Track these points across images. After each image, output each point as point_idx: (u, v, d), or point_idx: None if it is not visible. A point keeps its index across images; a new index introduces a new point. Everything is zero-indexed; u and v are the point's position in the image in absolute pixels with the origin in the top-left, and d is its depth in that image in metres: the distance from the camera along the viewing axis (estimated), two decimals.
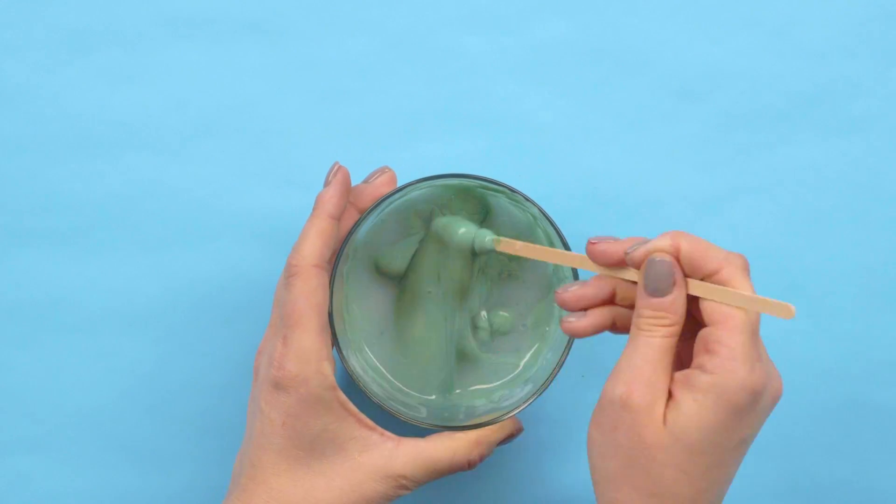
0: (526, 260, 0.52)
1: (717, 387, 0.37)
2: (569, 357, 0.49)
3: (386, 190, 0.48)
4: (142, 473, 0.57)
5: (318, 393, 0.43)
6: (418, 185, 0.49)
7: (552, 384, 0.49)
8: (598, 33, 0.57)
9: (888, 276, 0.57)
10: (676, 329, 0.39)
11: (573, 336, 0.44)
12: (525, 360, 0.53)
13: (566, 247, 0.49)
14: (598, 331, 0.43)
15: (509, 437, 0.48)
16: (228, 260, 0.57)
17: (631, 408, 0.38)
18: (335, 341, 0.48)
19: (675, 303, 0.39)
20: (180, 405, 0.57)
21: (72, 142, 0.57)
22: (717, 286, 0.39)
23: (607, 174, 0.57)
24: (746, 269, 0.40)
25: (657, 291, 0.39)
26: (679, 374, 0.39)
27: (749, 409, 0.38)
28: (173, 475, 0.57)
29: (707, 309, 0.39)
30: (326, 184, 0.47)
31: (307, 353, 0.43)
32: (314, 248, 0.44)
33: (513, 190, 0.49)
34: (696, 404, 0.37)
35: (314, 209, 0.46)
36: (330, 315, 0.47)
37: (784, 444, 0.57)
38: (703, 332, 0.39)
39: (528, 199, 0.49)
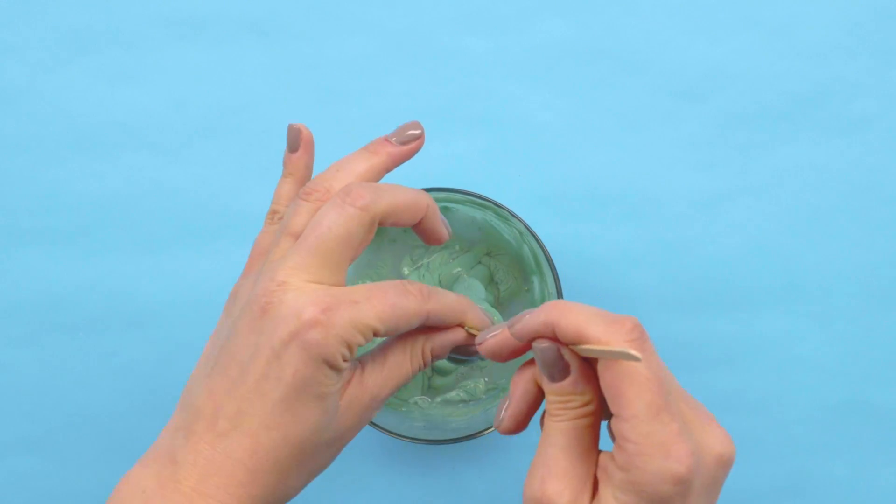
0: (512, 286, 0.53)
1: (635, 484, 0.33)
2: None
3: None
4: None
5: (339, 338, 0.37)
6: None
7: None
8: (597, 33, 0.57)
9: (888, 276, 0.57)
10: (589, 409, 0.35)
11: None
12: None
13: (550, 262, 0.49)
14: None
15: (465, 349, 0.42)
16: (228, 260, 0.57)
17: None
18: None
19: (576, 384, 0.35)
20: None
21: (72, 142, 0.57)
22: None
23: (607, 174, 0.57)
24: (635, 338, 0.34)
25: (553, 377, 0.35)
26: (602, 459, 0.35)
27: (682, 494, 0.33)
28: None
29: (609, 395, 0.34)
30: (294, 149, 0.44)
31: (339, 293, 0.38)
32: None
33: (499, 205, 0.49)
34: (618, 503, 0.33)
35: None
36: None
37: (784, 444, 0.57)
38: (612, 421, 0.34)
39: (513, 215, 0.48)
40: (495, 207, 0.49)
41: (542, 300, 0.53)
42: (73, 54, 0.56)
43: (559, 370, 0.35)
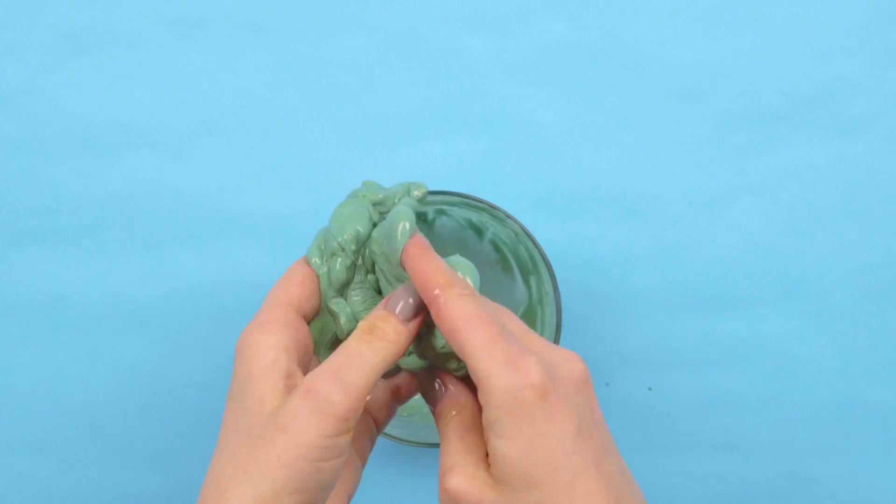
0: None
1: (500, 408, 0.33)
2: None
3: None
4: (142, 473, 0.57)
5: None
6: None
7: None
8: (597, 33, 0.57)
9: (888, 276, 0.57)
10: (471, 399, 0.37)
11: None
12: None
13: (546, 262, 0.49)
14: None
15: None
16: (228, 260, 0.57)
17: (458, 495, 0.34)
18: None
19: (457, 396, 0.38)
20: (180, 405, 0.57)
21: (72, 142, 0.57)
22: None
23: (607, 174, 0.57)
24: (461, 288, 0.36)
25: (434, 401, 0.38)
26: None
27: (542, 399, 0.33)
28: (173, 475, 0.57)
29: (452, 341, 0.35)
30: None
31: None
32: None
33: (494, 207, 0.49)
34: (501, 439, 0.34)
35: None
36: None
37: (784, 444, 0.57)
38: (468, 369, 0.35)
39: (509, 217, 0.48)
40: (490, 209, 0.49)
41: (540, 301, 0.52)
42: (73, 54, 0.56)
43: (434, 398, 0.38)
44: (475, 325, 0.34)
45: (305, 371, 0.38)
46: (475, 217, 0.52)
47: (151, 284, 0.57)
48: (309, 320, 0.39)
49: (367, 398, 0.38)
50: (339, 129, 0.57)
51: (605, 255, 0.57)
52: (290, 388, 0.35)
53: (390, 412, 0.42)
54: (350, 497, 0.39)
